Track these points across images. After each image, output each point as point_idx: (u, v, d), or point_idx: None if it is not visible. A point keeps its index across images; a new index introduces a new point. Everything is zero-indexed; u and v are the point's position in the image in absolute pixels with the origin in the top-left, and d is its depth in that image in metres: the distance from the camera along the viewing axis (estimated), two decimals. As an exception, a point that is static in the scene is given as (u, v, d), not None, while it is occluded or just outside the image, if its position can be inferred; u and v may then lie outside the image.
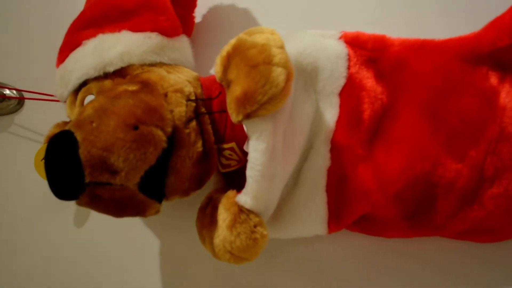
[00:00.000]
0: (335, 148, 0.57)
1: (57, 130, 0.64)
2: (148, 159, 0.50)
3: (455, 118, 0.56)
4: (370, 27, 0.64)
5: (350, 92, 0.58)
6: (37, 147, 0.68)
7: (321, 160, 0.57)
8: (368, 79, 0.58)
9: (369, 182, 0.56)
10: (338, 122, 0.58)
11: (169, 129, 0.52)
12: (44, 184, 0.51)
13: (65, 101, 0.63)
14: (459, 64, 0.57)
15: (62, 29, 0.63)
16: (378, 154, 0.57)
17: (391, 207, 0.57)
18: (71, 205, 0.72)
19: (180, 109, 0.55)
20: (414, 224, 0.59)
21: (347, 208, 0.58)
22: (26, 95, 0.77)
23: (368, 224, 0.61)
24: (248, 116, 0.48)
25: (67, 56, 0.61)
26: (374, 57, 0.59)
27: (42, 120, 0.77)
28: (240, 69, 0.48)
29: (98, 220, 0.75)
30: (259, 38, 0.48)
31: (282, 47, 0.48)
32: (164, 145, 0.51)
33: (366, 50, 0.59)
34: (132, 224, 0.74)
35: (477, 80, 0.56)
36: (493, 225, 0.58)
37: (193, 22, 0.73)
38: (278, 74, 0.46)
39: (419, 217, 0.58)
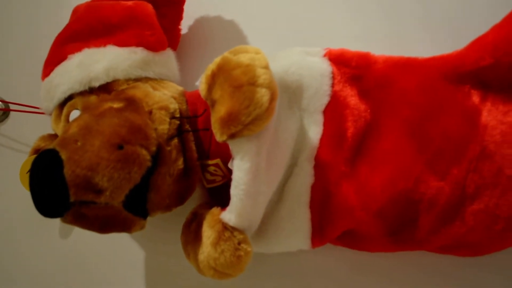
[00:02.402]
0: (319, 165, 0.58)
1: (42, 143, 0.64)
2: (133, 178, 0.50)
3: (437, 136, 0.56)
4: (354, 42, 0.65)
5: (334, 110, 0.58)
6: (22, 157, 0.67)
7: (305, 177, 0.58)
8: (352, 97, 0.59)
9: (352, 199, 0.57)
10: (322, 139, 0.58)
11: (154, 148, 0.53)
12: (29, 195, 0.51)
13: (50, 114, 0.63)
14: (442, 83, 0.58)
15: (48, 41, 0.63)
16: (361, 171, 0.58)
17: (374, 224, 0.58)
18: (57, 217, 0.72)
19: (163, 127, 0.55)
20: (397, 240, 0.59)
21: (330, 224, 0.58)
22: (12, 106, 0.76)
23: (351, 239, 0.62)
24: (232, 136, 0.48)
25: (52, 69, 0.61)
26: (358, 74, 0.60)
27: (28, 130, 0.77)
28: (225, 89, 0.48)
29: (83, 233, 0.74)
30: (244, 58, 0.49)
31: (266, 67, 0.48)
32: (149, 164, 0.52)
33: (350, 68, 0.60)
34: (118, 237, 0.74)
35: (459, 99, 0.57)
36: (474, 240, 0.58)
37: (179, 34, 0.73)
38: (262, 95, 0.46)
39: (402, 233, 0.58)
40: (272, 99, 0.47)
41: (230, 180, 0.52)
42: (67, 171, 0.48)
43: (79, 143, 0.50)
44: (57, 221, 0.76)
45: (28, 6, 0.82)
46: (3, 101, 0.77)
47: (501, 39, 0.54)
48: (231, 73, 0.48)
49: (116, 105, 0.55)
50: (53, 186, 0.48)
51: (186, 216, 0.61)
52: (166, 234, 0.72)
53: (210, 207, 0.56)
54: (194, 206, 0.63)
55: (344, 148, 0.58)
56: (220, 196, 0.62)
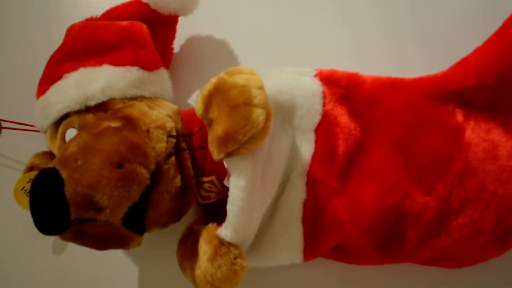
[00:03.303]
0: (311, 182, 0.59)
1: (37, 160, 0.65)
2: (132, 196, 0.51)
3: (423, 153, 0.59)
4: (348, 61, 0.67)
5: (325, 129, 0.60)
6: (16, 175, 0.67)
7: (298, 192, 0.59)
8: (342, 116, 0.61)
9: (342, 214, 0.59)
10: (314, 156, 0.60)
11: (152, 166, 0.54)
12: (22, 212, 0.51)
13: (45, 132, 0.63)
14: (428, 102, 0.60)
15: (42, 60, 0.64)
16: (351, 187, 0.60)
17: (363, 238, 0.59)
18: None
19: (160, 145, 0.56)
20: (385, 253, 0.61)
21: (322, 239, 0.60)
22: (4, 124, 0.77)
23: (342, 253, 0.64)
24: (229, 155, 0.50)
25: (47, 88, 0.61)
26: (348, 94, 0.62)
27: (21, 148, 0.77)
28: (222, 109, 0.49)
29: (77, 250, 0.75)
30: (240, 79, 0.50)
31: (261, 87, 0.50)
32: (148, 182, 0.53)
33: (340, 88, 0.62)
34: (114, 254, 0.74)
35: (444, 117, 0.59)
36: (459, 252, 0.60)
37: (172, 53, 0.74)
38: (258, 115, 0.48)
39: (390, 247, 0.60)
40: (267, 118, 0.49)
41: (224, 196, 0.53)
42: (68, 190, 0.49)
43: (79, 162, 0.51)
44: (51, 238, 0.76)
45: (19, 23, 0.82)
46: (-5, 119, 0.78)
47: (483, 61, 0.57)
48: (228, 94, 0.49)
49: (114, 124, 0.56)
50: (54, 204, 0.49)
51: (180, 232, 0.62)
52: (160, 250, 0.72)
53: (205, 223, 0.58)
54: (188, 222, 0.64)
55: (335, 165, 0.60)
56: (214, 212, 0.63)
